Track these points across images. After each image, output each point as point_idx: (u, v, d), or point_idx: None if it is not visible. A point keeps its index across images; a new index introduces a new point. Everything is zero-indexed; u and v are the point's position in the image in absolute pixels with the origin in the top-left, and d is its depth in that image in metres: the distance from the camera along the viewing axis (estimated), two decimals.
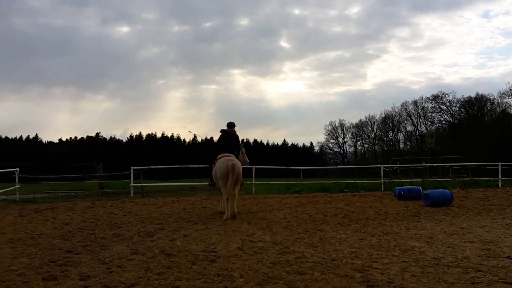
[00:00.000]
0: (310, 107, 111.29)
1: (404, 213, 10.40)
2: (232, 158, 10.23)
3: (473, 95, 74.86)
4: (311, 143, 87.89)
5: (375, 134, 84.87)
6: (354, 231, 7.97)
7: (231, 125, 10.99)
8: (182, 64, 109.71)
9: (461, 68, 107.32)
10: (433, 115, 78.71)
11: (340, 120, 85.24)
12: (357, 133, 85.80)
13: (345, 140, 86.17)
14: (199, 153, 65.30)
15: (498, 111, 72.61)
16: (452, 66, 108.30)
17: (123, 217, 10.27)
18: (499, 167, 17.97)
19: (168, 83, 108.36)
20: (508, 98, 72.00)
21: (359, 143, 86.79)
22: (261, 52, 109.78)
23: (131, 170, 15.88)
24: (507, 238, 6.99)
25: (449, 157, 23.25)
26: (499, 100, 72.80)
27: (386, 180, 17.32)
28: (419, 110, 79.75)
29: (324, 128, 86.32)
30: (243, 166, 10.97)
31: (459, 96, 75.80)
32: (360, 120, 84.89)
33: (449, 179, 19.32)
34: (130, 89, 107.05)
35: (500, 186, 17.42)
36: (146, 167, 17.22)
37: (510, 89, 71.89)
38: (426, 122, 79.31)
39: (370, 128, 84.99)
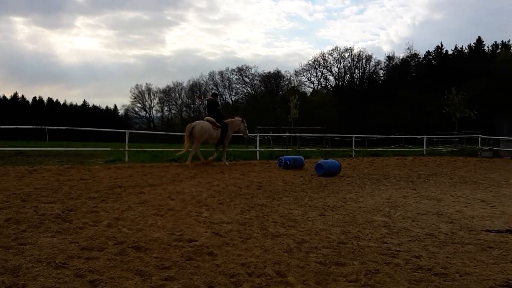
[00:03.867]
0: (107, 67, 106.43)
1: (312, 183, 10.30)
2: (199, 121, 13.39)
3: (269, 70, 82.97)
4: (115, 106, 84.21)
5: (182, 101, 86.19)
6: (301, 206, 7.44)
7: (213, 95, 15.20)
8: None
9: (252, 45, 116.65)
10: (237, 86, 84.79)
11: (147, 84, 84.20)
12: (165, 98, 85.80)
13: (152, 105, 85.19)
14: None
15: (289, 87, 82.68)
16: (245, 42, 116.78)
17: None
18: (353, 139, 19.71)
19: None
20: (301, 76, 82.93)
21: (166, 108, 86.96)
22: (48, 1, 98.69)
23: None
24: (455, 208, 7.37)
25: (312, 128, 24.64)
26: (294, 78, 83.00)
27: (261, 150, 17.24)
28: (225, 81, 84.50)
29: (130, 91, 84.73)
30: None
31: (260, 71, 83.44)
32: (168, 86, 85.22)
33: (314, 148, 20.45)
34: None
35: (353, 156, 19.09)
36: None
37: (303, 68, 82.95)
38: (231, 92, 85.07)
39: (177, 94, 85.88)
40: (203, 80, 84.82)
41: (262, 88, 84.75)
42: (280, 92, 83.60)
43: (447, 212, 7.09)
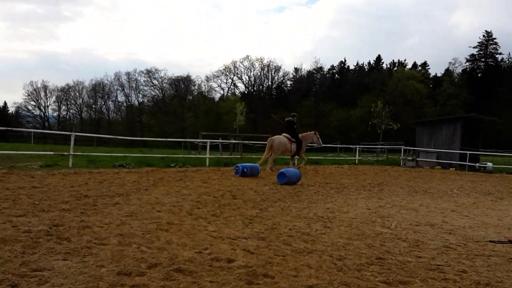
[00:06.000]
0: None
1: (283, 193, 10.10)
2: (278, 136, 15.71)
3: (182, 74, 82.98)
4: (5, 103, 78.98)
5: (82, 100, 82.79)
6: (296, 217, 7.22)
7: (292, 115, 16.58)
8: None
9: (156, 47, 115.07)
10: (145, 88, 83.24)
11: (43, 81, 79.60)
12: (63, 97, 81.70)
13: (48, 103, 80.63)
14: None
15: (197, 92, 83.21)
16: (148, 44, 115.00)
17: None
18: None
19: None
20: (211, 82, 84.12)
21: (64, 108, 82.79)
22: None
23: None
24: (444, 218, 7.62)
25: (260, 136, 24.35)
26: (205, 83, 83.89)
27: (211, 156, 16.66)
28: (132, 82, 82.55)
29: (24, 88, 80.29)
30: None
31: (170, 74, 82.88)
32: (68, 85, 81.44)
33: (259, 156, 20.28)
34: None
35: (296, 163, 19.27)
36: None
37: (213, 75, 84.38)
38: (138, 94, 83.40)
39: (78, 93, 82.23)
40: (107, 80, 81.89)
41: (171, 91, 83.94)
42: (190, 97, 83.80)
43: (436, 223, 7.32)
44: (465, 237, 6.24)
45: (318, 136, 16.99)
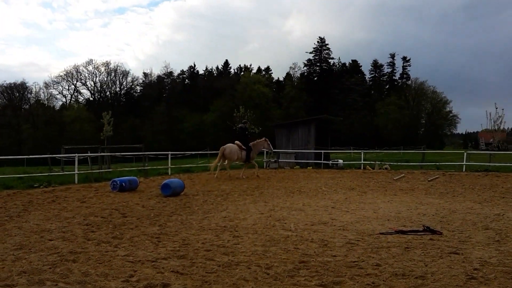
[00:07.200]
0: None
1: (173, 205, 9.85)
2: (230, 144, 16.86)
3: (16, 81, 76.39)
4: None
5: None
6: (201, 229, 7.13)
7: (243, 122, 18.33)
8: None
9: None
10: None
11: None
12: None
13: None
14: None
15: (35, 100, 77.13)
16: None
17: None
18: (169, 156, 19.43)
19: None
20: (51, 89, 78.48)
21: None
22: None
23: None
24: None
25: (130, 147, 22.65)
26: (44, 90, 77.97)
27: (80, 172, 15.16)
28: None
29: None
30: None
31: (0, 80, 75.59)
32: None
33: (131, 168, 19.09)
34: None
35: (170, 173, 18.84)
36: None
37: (53, 81, 78.96)
38: None
39: None
40: None
41: (3, 100, 75.70)
42: (26, 106, 76.78)
43: (326, 221, 7.93)
44: (359, 232, 6.91)
45: (269, 142, 18.38)
